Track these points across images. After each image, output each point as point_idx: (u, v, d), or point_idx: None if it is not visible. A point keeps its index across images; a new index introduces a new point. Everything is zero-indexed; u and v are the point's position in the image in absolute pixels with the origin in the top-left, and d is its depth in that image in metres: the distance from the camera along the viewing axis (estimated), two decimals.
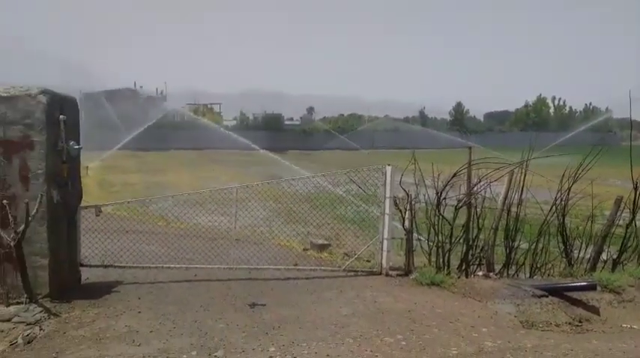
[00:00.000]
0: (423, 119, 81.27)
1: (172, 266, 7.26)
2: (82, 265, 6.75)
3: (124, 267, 7.17)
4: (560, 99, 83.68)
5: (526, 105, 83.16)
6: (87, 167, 28.24)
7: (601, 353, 4.46)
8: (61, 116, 5.79)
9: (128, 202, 10.36)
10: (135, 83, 58.19)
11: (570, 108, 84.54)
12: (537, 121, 77.53)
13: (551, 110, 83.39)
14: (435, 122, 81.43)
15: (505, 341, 4.58)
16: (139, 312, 5.52)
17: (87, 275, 6.79)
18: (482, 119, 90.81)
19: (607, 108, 75.42)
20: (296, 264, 7.79)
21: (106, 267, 7.10)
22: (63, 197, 6.02)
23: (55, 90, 5.98)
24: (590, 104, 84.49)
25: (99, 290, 6.30)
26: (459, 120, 78.78)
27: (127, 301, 5.92)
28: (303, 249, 9.11)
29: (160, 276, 7.07)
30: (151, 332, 4.87)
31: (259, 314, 5.37)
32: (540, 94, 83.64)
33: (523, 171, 7.64)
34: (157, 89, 60.71)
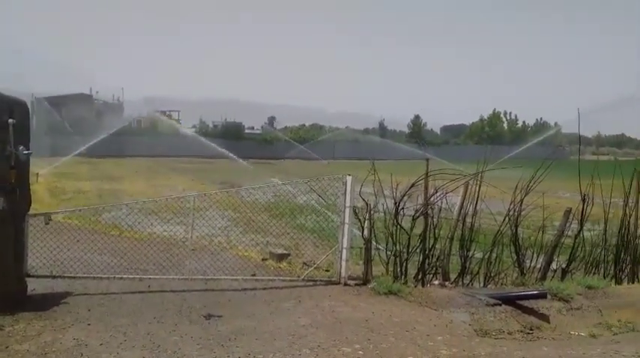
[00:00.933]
0: (382, 131, 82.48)
1: (125, 276, 7.04)
2: (28, 275, 6.44)
3: (74, 277, 6.89)
4: (511, 113, 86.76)
5: (481, 119, 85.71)
6: (37, 173, 27.13)
7: None
8: (10, 120, 5.55)
9: (80, 210, 9.98)
10: (90, 88, 56.52)
11: (523, 122, 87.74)
12: (492, 135, 80.00)
13: (505, 124, 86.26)
14: (393, 134, 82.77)
15: (460, 349, 4.65)
16: (89, 324, 5.30)
17: (34, 285, 6.48)
18: (439, 132, 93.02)
19: (555, 123, 78.74)
20: (254, 274, 7.70)
21: (54, 277, 6.81)
22: (10, 204, 5.75)
23: (4, 92, 5.74)
24: (541, 119, 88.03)
25: (46, 302, 6.03)
26: (417, 132, 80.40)
27: (76, 313, 5.69)
28: (262, 259, 9.01)
29: (112, 287, 6.84)
30: (100, 345, 4.69)
31: (215, 326, 5.26)
32: (495, 109, 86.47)
33: (478, 182, 7.85)
34: (113, 95, 59.21)
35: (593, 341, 5.32)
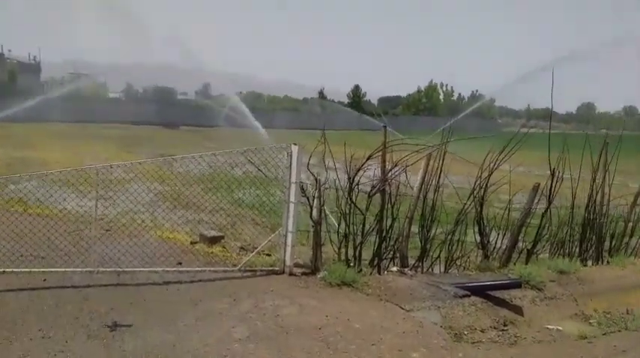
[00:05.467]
0: (321, 100, 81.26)
1: (10, 270, 5.52)
2: None
3: None
4: (447, 85, 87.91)
5: (418, 91, 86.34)
6: None
7: None
8: None
9: None
10: (1, 46, 50.87)
11: (459, 94, 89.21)
12: (428, 106, 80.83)
13: (441, 96, 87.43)
14: (333, 104, 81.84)
15: None
16: None
17: None
18: (376, 103, 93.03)
19: (487, 96, 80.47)
20: (180, 263, 6.39)
21: None
22: None
23: None
24: (477, 91, 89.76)
25: None
26: (357, 103, 79.83)
27: None
28: (191, 243, 7.65)
29: None
30: None
31: (120, 342, 3.96)
32: (432, 80, 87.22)
33: (441, 155, 6.88)
34: (29, 54, 53.73)
35: (587, 346, 4.51)
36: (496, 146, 7.27)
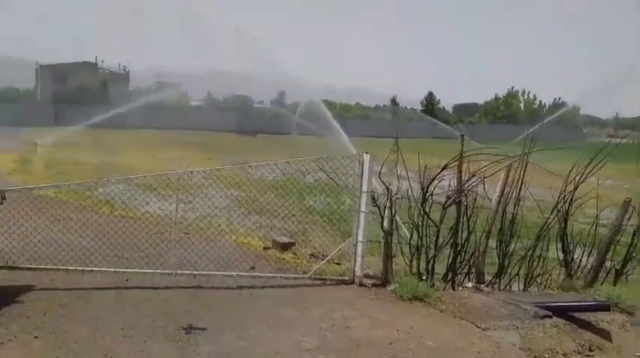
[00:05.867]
0: (394, 108, 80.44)
1: (97, 269, 5.88)
2: None
3: (35, 269, 5.77)
4: (529, 93, 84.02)
5: (496, 98, 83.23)
6: (35, 143, 26.09)
7: None
8: None
9: (43, 185, 8.57)
10: (96, 57, 54.93)
11: (540, 102, 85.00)
12: (507, 114, 77.64)
13: (522, 104, 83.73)
14: (406, 112, 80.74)
15: None
16: (36, 337, 4.17)
17: None
18: (451, 110, 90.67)
19: (571, 104, 75.91)
20: (253, 268, 6.52)
21: (11, 268, 5.69)
22: None
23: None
24: (560, 99, 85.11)
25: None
26: (430, 110, 78.27)
27: (27, 318, 4.56)
28: (264, 248, 7.80)
29: (83, 280, 5.74)
30: None
31: (194, 345, 4.08)
32: (512, 87, 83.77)
33: (522, 166, 6.54)
34: (119, 65, 57.62)
35: None
36: (582, 157, 6.82)
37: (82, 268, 5.85)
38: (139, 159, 23.36)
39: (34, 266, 5.83)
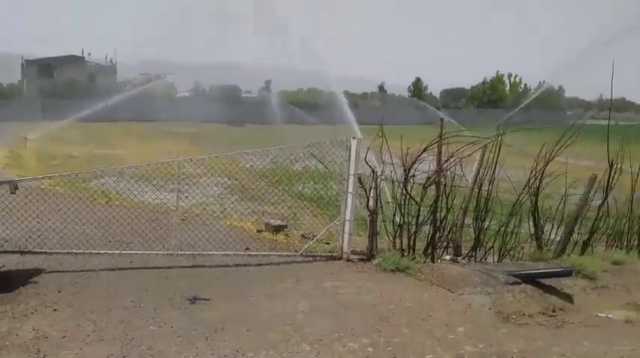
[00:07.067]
0: (382, 95, 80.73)
1: (103, 252, 6.34)
2: None
3: (46, 253, 6.20)
4: (516, 76, 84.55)
5: (484, 82, 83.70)
6: (25, 137, 26.18)
7: None
8: None
9: (48, 176, 8.99)
10: (82, 50, 54.61)
11: (525, 85, 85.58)
12: (493, 98, 78.26)
13: (507, 88, 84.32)
14: (393, 98, 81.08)
15: (487, 344, 3.99)
16: (55, 310, 4.63)
17: (2, 261, 5.81)
18: (438, 96, 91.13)
19: (560, 87, 76.70)
20: (248, 248, 7.02)
21: (22, 253, 6.13)
22: None
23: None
24: (544, 81, 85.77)
25: (13, 282, 5.35)
26: (418, 96, 78.68)
27: (44, 295, 5.01)
28: (257, 231, 8.30)
29: (90, 263, 6.18)
30: (63, 337, 4.01)
31: (200, 312, 4.58)
32: (498, 71, 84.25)
33: (496, 147, 7.07)
34: (106, 57, 57.33)
35: (631, 328, 4.66)
36: (556, 138, 7.30)
37: (88, 251, 6.30)
38: (129, 151, 23.62)
39: (43, 250, 6.26)
